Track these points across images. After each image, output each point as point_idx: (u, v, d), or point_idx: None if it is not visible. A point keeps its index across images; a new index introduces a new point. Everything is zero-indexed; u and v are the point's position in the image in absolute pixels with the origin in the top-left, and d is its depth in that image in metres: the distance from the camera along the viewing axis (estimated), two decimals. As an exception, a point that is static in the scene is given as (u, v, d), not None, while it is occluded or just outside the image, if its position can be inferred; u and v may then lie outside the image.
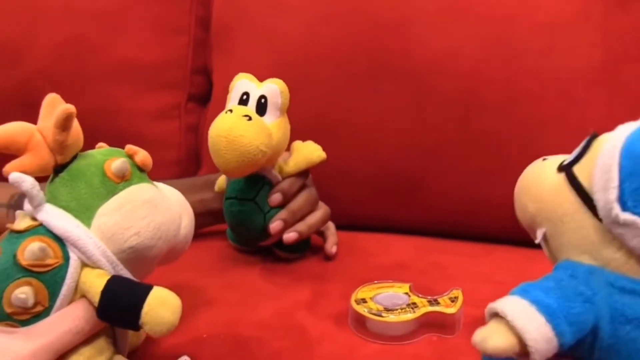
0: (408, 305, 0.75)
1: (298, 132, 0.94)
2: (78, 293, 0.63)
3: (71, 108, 0.61)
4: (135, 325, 0.61)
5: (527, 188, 0.63)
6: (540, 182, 0.62)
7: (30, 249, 0.60)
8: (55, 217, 0.62)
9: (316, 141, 0.96)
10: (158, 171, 1.18)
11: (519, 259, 0.95)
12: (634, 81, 0.99)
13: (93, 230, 0.63)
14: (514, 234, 0.86)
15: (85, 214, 0.63)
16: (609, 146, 0.55)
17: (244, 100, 0.89)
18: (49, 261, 0.60)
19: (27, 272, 0.59)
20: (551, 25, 1.00)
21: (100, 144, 0.69)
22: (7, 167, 0.62)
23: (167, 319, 0.61)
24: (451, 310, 0.74)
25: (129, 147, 0.68)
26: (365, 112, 1.07)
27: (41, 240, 0.61)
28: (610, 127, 0.91)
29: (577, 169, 0.59)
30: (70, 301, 0.62)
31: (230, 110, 0.86)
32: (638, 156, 0.52)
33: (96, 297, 0.61)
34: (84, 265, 0.63)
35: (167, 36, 1.23)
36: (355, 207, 1.10)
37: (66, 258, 0.62)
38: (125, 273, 0.64)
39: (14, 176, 0.61)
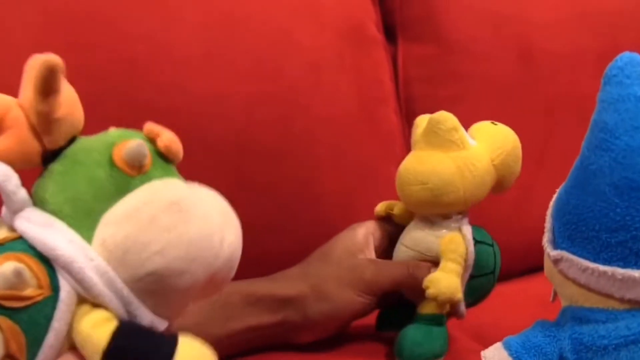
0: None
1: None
2: (68, 342, 0.43)
3: (54, 59, 0.43)
4: None
5: None
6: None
7: (0, 273, 0.40)
8: (40, 226, 0.43)
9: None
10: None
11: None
12: (383, 123, 1.01)
13: (95, 247, 0.43)
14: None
15: (84, 222, 0.44)
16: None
17: None
18: (29, 292, 0.41)
19: None
20: (316, 64, 0.96)
21: (112, 129, 0.50)
22: None
23: None
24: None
25: (149, 127, 0.48)
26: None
27: (18, 259, 0.41)
28: (369, 168, 0.94)
29: None
30: (59, 354, 0.42)
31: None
32: (558, 199, 0.56)
33: (96, 359, 0.41)
34: (80, 300, 0.43)
35: None
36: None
37: (55, 288, 0.42)
38: (144, 315, 0.44)
39: None
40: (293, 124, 0.92)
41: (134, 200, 0.44)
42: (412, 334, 0.69)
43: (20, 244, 0.43)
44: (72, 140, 0.47)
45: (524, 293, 0.92)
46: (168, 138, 0.48)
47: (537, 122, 1.06)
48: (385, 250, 0.75)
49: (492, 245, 0.74)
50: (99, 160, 0.45)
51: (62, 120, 0.45)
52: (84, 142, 0.47)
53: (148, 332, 0.44)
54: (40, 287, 0.42)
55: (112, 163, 0.45)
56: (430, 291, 0.67)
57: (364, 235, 0.73)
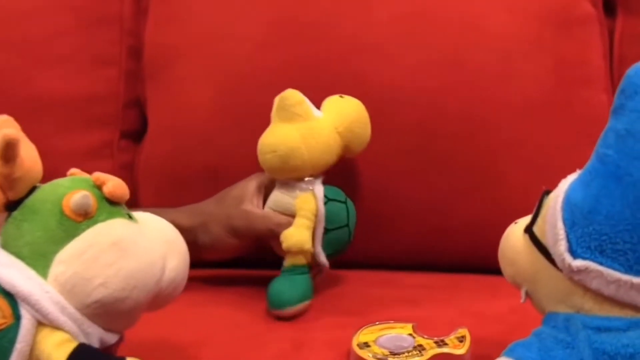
0: (415, 347, 0.69)
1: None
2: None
3: (11, 134, 0.51)
4: None
5: (503, 252, 0.64)
6: (512, 245, 0.63)
7: None
8: (2, 266, 0.52)
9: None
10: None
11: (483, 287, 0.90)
12: (584, 106, 1.00)
13: (50, 282, 0.52)
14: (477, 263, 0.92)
15: (40, 262, 0.52)
16: (553, 203, 0.57)
17: None
18: (-7, 322, 0.48)
19: None
20: (506, 51, 0.99)
21: (73, 170, 0.59)
22: None
23: None
24: (460, 351, 0.69)
25: (97, 176, 0.57)
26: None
27: None
28: (561, 152, 0.95)
29: (536, 228, 0.60)
30: None
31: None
32: (574, 206, 0.54)
33: None
34: (40, 325, 0.51)
35: (95, 68, 1.14)
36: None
37: (17, 317, 0.50)
38: (95, 331, 0.53)
39: None
40: (477, 112, 0.97)
41: (80, 243, 0.53)
42: (277, 285, 0.81)
43: None
44: (32, 190, 0.55)
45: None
46: (113, 185, 0.56)
47: None
48: None
49: (344, 202, 0.85)
50: (51, 210, 0.54)
51: (22, 178, 0.53)
52: (41, 192, 0.55)
53: (101, 355, 0.53)
54: (3, 317, 0.50)
55: (62, 212, 0.54)
56: (284, 245, 0.80)
57: (256, 185, 0.86)
